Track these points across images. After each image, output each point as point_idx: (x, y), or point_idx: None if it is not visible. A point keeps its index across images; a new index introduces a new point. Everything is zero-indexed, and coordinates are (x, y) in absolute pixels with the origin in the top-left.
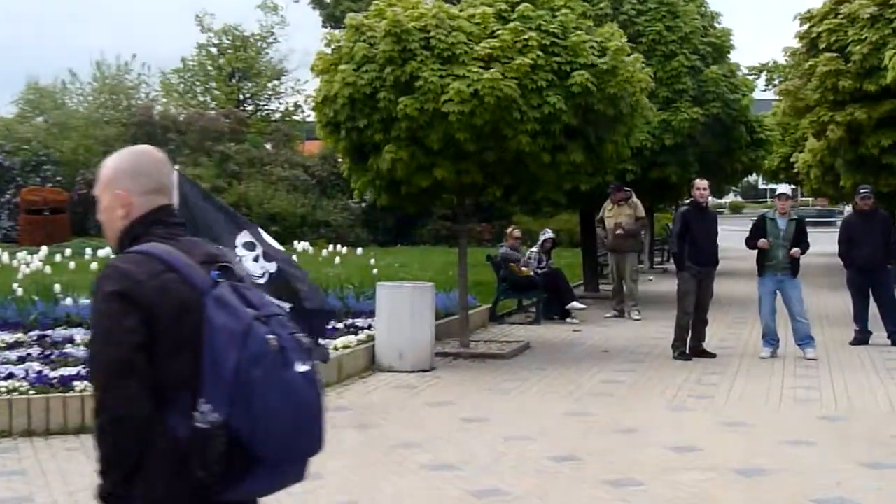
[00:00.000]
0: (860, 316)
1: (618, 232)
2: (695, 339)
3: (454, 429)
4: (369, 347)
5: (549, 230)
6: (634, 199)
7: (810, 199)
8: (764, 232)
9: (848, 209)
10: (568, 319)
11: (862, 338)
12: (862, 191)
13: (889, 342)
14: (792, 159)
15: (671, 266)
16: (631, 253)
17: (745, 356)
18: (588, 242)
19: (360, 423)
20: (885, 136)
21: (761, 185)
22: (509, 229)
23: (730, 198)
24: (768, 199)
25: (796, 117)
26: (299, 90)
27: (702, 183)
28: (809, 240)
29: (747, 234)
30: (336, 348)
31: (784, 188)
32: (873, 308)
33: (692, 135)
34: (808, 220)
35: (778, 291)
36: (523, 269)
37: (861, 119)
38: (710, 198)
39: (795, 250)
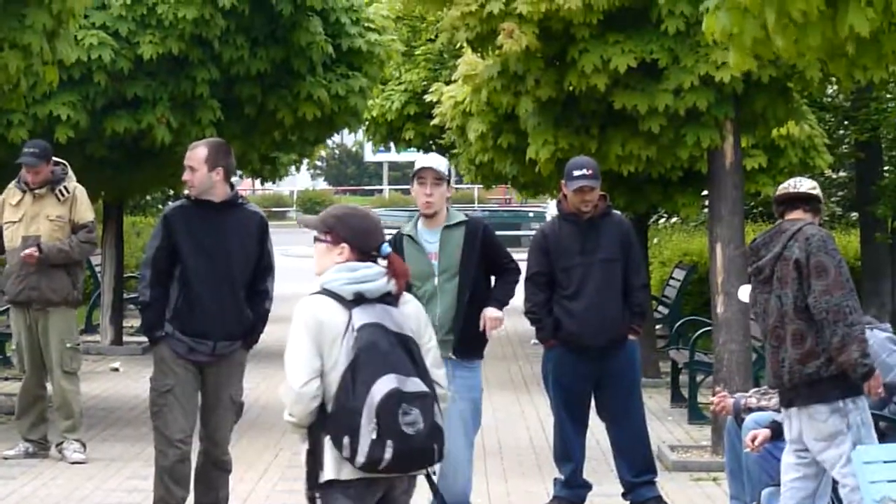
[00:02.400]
0: (570, 448)
1: (26, 252)
2: None
3: None
4: None
5: None
6: (71, 183)
7: (472, 187)
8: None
9: (551, 209)
10: None
11: (571, 496)
12: (577, 173)
13: (625, 502)
14: (430, 97)
15: None
16: (60, 308)
17: None
18: None
19: None
20: (624, 47)
21: (369, 156)
22: None
23: (297, 181)
24: (386, 187)
25: (435, 4)
26: None
27: (196, 154)
28: None
29: None
30: None
31: (430, 159)
32: (597, 434)
33: (205, 37)
34: None
35: None
36: None
37: (569, 10)
38: (232, 179)
39: (494, 316)
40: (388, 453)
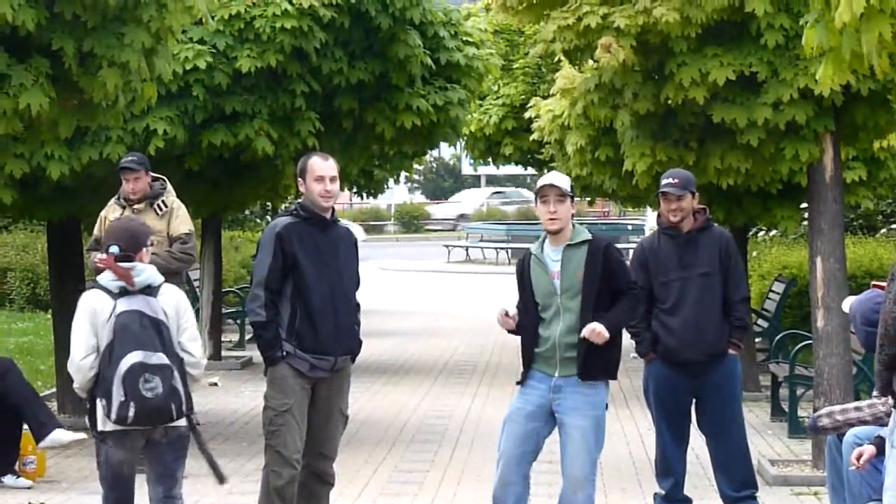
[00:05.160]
0: (671, 463)
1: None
2: None
3: None
4: None
5: None
6: (170, 197)
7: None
8: (529, 287)
9: (650, 223)
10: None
11: None
12: (664, 181)
13: None
14: (529, 113)
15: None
16: None
17: None
18: (67, 292)
19: None
20: (722, 60)
21: (467, 169)
22: None
23: (397, 195)
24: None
25: (531, 16)
26: None
27: (320, 165)
28: None
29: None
30: None
31: (552, 177)
32: (697, 449)
33: (302, 49)
34: None
35: (556, 417)
36: None
37: (667, 24)
38: (338, 195)
39: (593, 328)
40: (131, 412)
